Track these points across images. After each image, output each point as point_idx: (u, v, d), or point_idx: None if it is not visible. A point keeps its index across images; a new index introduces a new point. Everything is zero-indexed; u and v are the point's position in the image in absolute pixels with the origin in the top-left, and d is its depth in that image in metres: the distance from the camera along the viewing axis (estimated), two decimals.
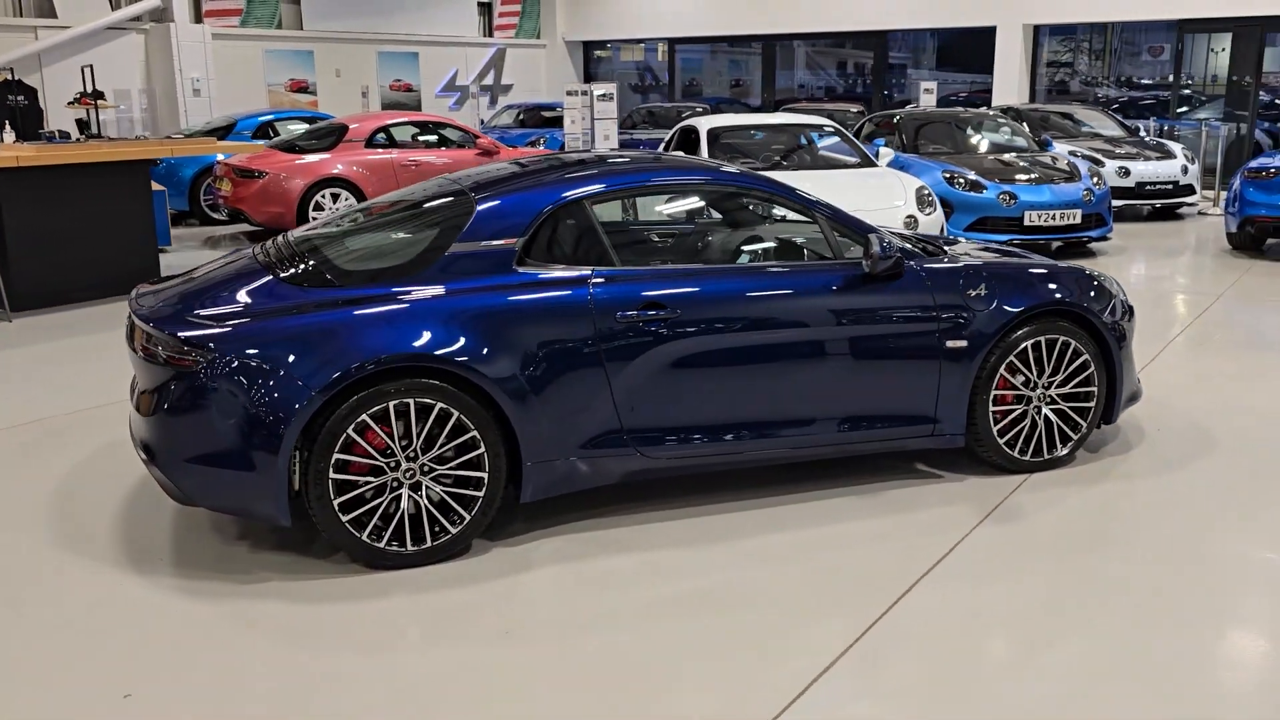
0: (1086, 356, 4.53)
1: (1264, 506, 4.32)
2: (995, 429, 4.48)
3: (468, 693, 3.03)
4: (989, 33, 18.19)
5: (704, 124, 9.74)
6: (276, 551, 3.90)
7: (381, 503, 3.68)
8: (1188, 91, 17.76)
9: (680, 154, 9.01)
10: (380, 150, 11.89)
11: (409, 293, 3.79)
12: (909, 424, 4.37)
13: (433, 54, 20.66)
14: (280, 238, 4.49)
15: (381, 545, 3.69)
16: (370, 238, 4.30)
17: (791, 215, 4.70)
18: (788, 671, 3.12)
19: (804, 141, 10.17)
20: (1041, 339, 4.46)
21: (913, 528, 4.11)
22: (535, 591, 3.64)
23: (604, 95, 11.15)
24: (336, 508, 3.61)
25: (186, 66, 15.98)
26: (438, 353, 3.65)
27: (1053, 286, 4.52)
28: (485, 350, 3.72)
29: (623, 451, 3.99)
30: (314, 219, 11.24)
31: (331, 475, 3.58)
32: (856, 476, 4.58)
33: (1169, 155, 13.12)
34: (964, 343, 4.34)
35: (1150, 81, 19.26)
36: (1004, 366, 4.42)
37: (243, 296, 3.84)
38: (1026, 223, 10.06)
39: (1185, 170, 13.00)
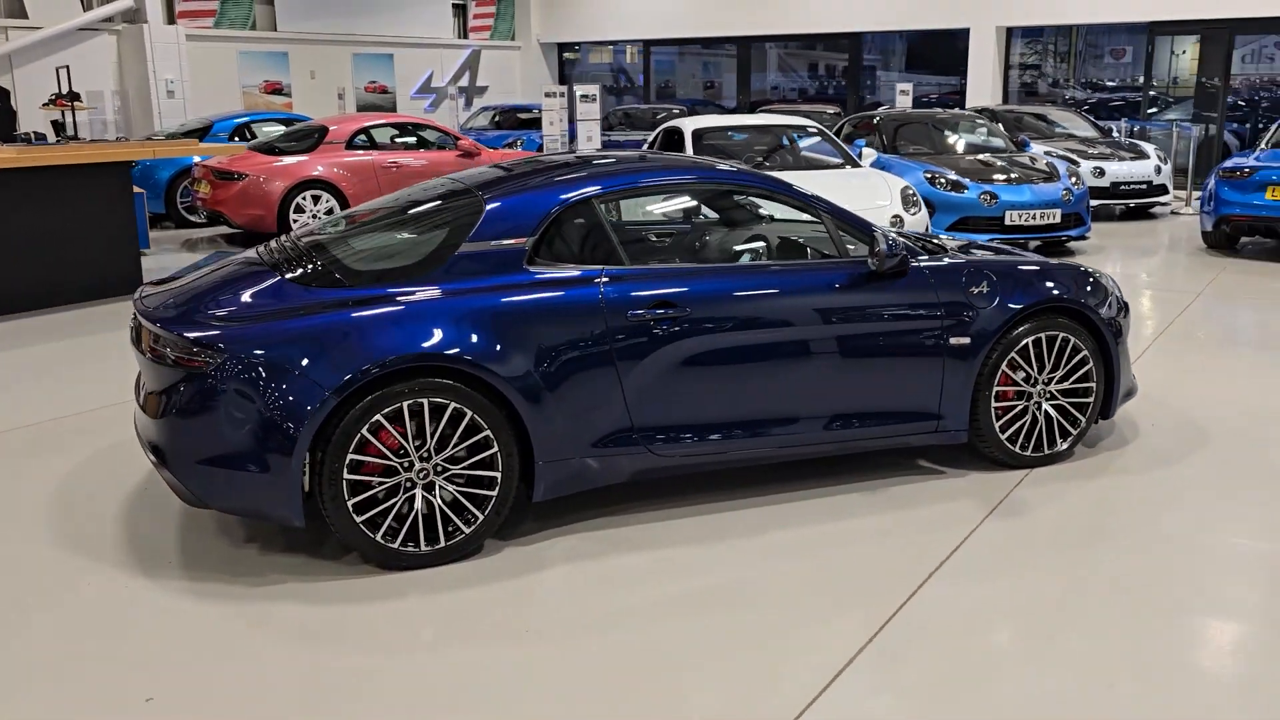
0: (1086, 352, 4.59)
1: (1257, 500, 4.39)
2: (997, 425, 4.53)
3: (491, 692, 3.03)
4: (957, 35, 18.38)
5: (688, 125, 9.77)
6: (286, 553, 3.88)
7: (395, 503, 3.67)
8: (1153, 93, 17.99)
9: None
10: (361, 152, 11.82)
11: (420, 292, 3.78)
12: (914, 420, 4.42)
13: (408, 55, 20.57)
14: (284, 237, 4.46)
15: (396, 546, 3.68)
16: (377, 238, 4.29)
17: (793, 214, 4.73)
18: (808, 666, 3.14)
19: (787, 142, 10.22)
20: (1042, 335, 4.51)
21: (918, 523, 4.15)
22: (550, 590, 3.64)
23: (586, 96, 11.16)
24: (351, 509, 3.60)
25: (160, 68, 15.81)
26: (452, 353, 3.65)
27: (1052, 284, 4.58)
28: (498, 350, 3.72)
29: (633, 450, 4.00)
30: (294, 221, 11.16)
31: (345, 476, 3.57)
32: (859, 473, 4.61)
33: (1143, 155, 13.31)
34: (967, 339, 4.39)
35: (1114, 83, 19.52)
36: (1005, 363, 4.47)
37: (251, 297, 3.82)
38: (1007, 222, 10.16)
39: (1159, 170, 13.20)
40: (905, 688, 3.05)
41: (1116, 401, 4.77)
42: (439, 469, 3.70)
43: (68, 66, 12.92)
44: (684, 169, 4.59)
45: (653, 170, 4.43)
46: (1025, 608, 3.50)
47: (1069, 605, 3.51)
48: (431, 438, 3.66)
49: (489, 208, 4.03)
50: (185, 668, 3.15)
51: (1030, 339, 4.50)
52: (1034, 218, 10.23)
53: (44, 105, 14.24)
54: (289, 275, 3.91)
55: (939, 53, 20.80)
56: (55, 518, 4.25)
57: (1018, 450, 4.59)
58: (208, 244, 11.68)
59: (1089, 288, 4.68)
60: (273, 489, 3.56)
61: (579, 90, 11.34)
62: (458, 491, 3.75)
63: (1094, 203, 12.26)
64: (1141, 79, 18.05)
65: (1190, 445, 5.00)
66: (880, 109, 17.21)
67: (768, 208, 4.97)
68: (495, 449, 3.73)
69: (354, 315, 3.67)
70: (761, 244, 4.75)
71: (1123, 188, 13.01)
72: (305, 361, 3.55)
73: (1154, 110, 17.81)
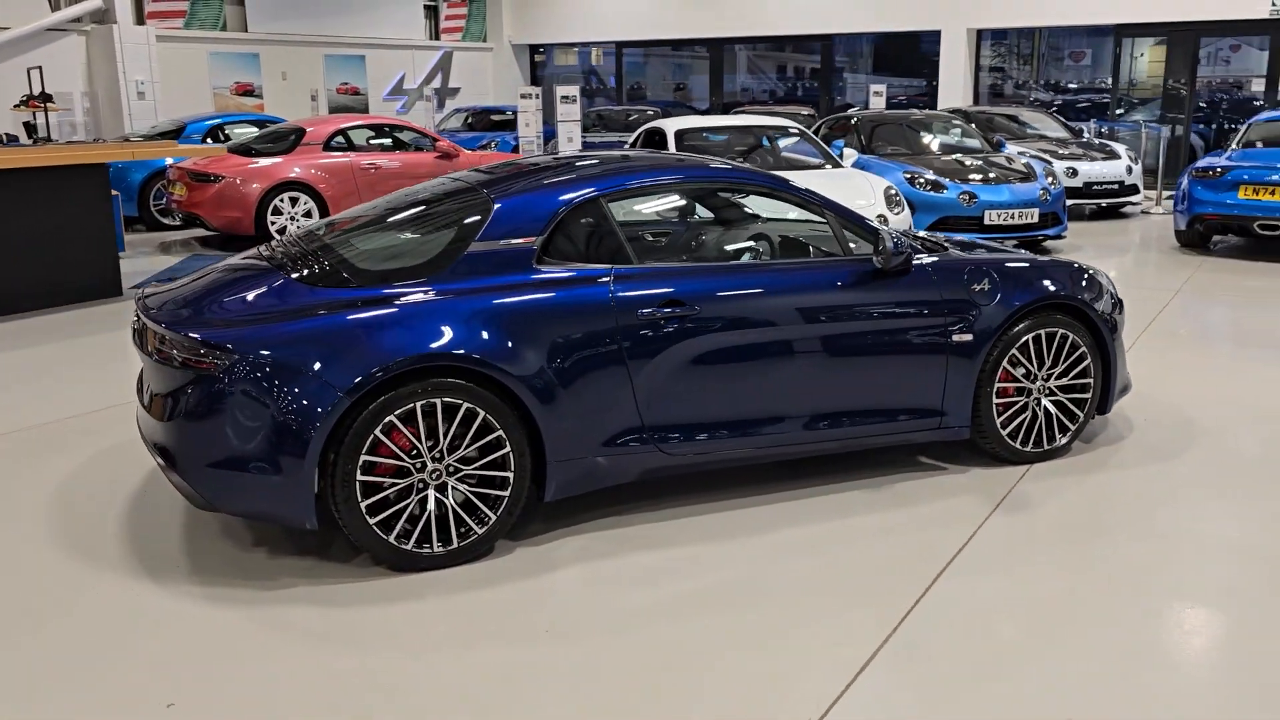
0: (1084, 349, 4.65)
1: (1251, 494, 4.46)
2: (998, 421, 4.57)
3: (512, 694, 3.01)
4: (925, 38, 18.54)
5: (671, 126, 9.78)
6: (296, 556, 3.85)
7: (408, 504, 3.65)
8: (1117, 95, 18.24)
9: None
10: (339, 154, 11.72)
11: (430, 292, 3.76)
12: (919, 416, 4.45)
13: (380, 57, 20.43)
14: (287, 237, 4.42)
15: (409, 547, 3.66)
16: (384, 237, 4.26)
17: (796, 213, 4.75)
18: (830, 663, 3.16)
19: (767, 143, 10.26)
20: (1041, 332, 4.56)
21: (923, 520, 4.18)
22: (564, 590, 3.64)
23: (567, 98, 11.14)
24: (364, 510, 3.57)
25: (130, 69, 15.60)
26: (464, 352, 3.63)
27: (1050, 281, 4.63)
28: (510, 349, 3.71)
29: (644, 449, 4.01)
30: (272, 224, 11.05)
31: (359, 477, 3.55)
32: (861, 470, 4.64)
33: (1114, 156, 13.49)
34: (969, 336, 4.43)
35: (1075, 85, 19.76)
36: (1006, 359, 4.52)
37: (258, 297, 3.78)
38: (987, 222, 10.26)
39: (1130, 170, 13.39)
40: (928, 682, 3.07)
41: (1113, 397, 4.84)
42: (451, 469, 3.68)
43: (40, 67, 12.72)
44: (693, 168, 4.59)
45: (662, 169, 4.44)
46: (1038, 601, 3.54)
47: (1078, 597, 3.55)
48: (444, 438, 3.64)
49: (497, 207, 4.02)
50: (202, 673, 3.12)
51: (1030, 336, 4.55)
52: (1012, 217, 10.33)
53: (15, 106, 14.02)
54: (295, 275, 3.88)
55: (906, 55, 20.99)
56: (56, 521, 4.19)
57: (1018, 446, 4.64)
58: (182, 247, 11.54)
59: (1085, 284, 4.74)
60: (285, 491, 3.53)
61: (560, 91, 11.31)
62: (470, 492, 3.73)
63: (1068, 202, 12.40)
64: (1102, 81, 18.29)
65: (1184, 441, 5.07)
66: (852, 110, 17.34)
67: (771, 207, 4.98)
68: (507, 449, 3.72)
69: (365, 315, 3.64)
70: (765, 243, 4.77)
71: (1095, 187, 13.18)
72: (317, 362, 3.52)
73: (1120, 111, 18.05)
